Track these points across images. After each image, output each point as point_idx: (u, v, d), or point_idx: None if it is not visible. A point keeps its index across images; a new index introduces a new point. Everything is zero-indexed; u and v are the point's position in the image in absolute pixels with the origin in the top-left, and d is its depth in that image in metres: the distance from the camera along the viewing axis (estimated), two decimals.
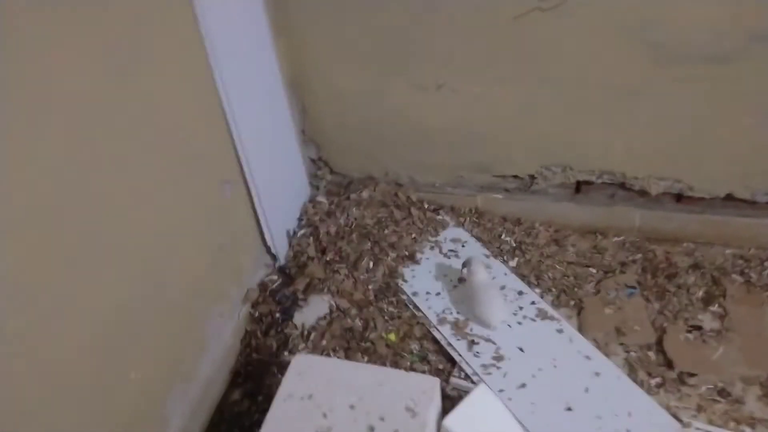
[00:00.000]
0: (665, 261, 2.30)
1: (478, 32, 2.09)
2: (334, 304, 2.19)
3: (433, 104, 2.32)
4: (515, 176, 2.45)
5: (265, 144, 2.25)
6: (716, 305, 2.12)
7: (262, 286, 2.29)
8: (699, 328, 2.05)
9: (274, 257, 2.37)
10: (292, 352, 2.07)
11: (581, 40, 2.01)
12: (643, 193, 2.32)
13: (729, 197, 2.22)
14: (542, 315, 2.13)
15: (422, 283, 2.28)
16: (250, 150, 2.10)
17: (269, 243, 2.31)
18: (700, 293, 2.17)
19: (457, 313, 2.15)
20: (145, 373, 1.69)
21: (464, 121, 2.34)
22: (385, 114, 2.42)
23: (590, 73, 2.07)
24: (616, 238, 2.42)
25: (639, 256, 2.34)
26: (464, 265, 2.17)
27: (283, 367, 1.97)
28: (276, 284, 2.29)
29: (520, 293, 2.21)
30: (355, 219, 2.48)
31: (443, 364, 2.04)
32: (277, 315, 2.18)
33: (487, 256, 2.36)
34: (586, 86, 2.11)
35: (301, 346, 2.10)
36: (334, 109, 2.48)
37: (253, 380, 2.07)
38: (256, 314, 2.22)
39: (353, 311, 2.17)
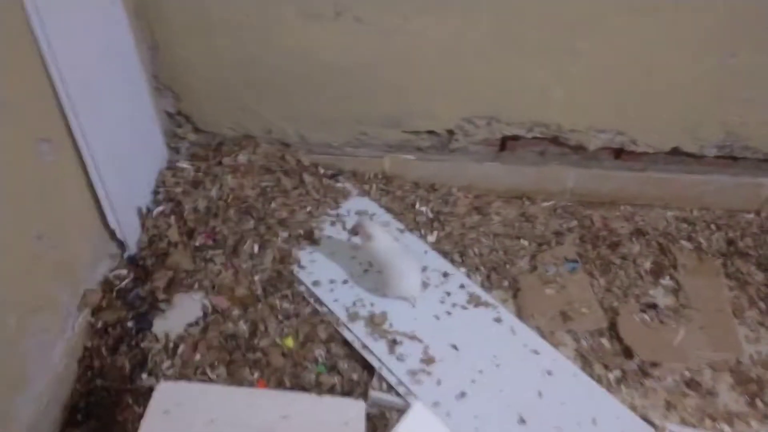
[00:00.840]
0: (604, 228, 2.00)
1: None
2: (208, 305, 1.69)
3: (330, 38, 1.83)
4: (431, 132, 2.03)
5: (101, 90, 1.66)
6: (667, 277, 1.86)
7: (106, 284, 1.71)
8: (653, 306, 1.78)
9: (121, 245, 1.78)
10: (153, 374, 1.57)
11: None
12: (578, 148, 2.00)
13: (674, 151, 1.96)
14: (474, 301, 1.74)
15: (324, 270, 1.80)
16: (77, 98, 1.51)
17: (113, 225, 1.71)
18: (648, 264, 1.89)
19: (372, 305, 1.69)
20: None
21: (370, 62, 1.87)
22: (268, 51, 1.89)
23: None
24: (545, 203, 2.09)
25: (574, 223, 2.02)
26: (352, 231, 1.74)
27: (141, 394, 1.53)
28: (126, 281, 1.72)
29: (445, 275, 1.80)
30: (232, 190, 1.94)
31: (358, 374, 1.61)
32: (130, 324, 1.65)
33: (402, 231, 1.92)
34: (525, 17, 1.73)
35: (166, 364, 1.59)
36: (198, 44, 1.90)
37: (99, 417, 1.53)
38: (99, 324, 1.64)
39: (235, 312, 1.68)
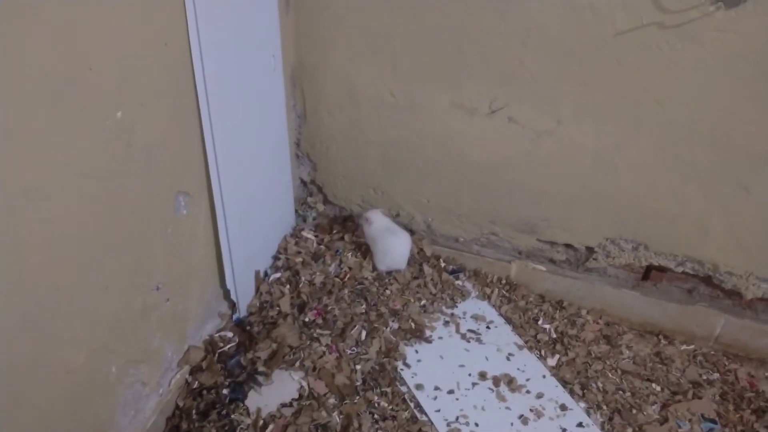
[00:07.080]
0: (750, 388, 1.73)
1: (561, 45, 1.55)
2: (306, 387, 1.57)
3: (479, 132, 1.77)
4: (568, 245, 1.88)
5: (247, 150, 1.66)
6: None
7: (210, 344, 1.65)
8: None
9: (232, 305, 1.74)
10: None
11: (706, 78, 1.47)
12: (733, 294, 1.77)
13: None
14: None
15: (430, 372, 1.67)
16: (223, 155, 1.50)
17: (229, 285, 1.68)
18: None
19: (477, 425, 1.53)
20: None
21: (517, 162, 1.78)
22: (411, 134, 1.86)
23: (706, 122, 1.54)
24: (685, 346, 1.86)
25: (716, 375, 1.77)
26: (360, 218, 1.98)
27: None
28: (229, 346, 1.66)
29: (563, 408, 1.61)
30: (350, 269, 1.87)
31: None
32: (225, 391, 1.56)
33: (520, 347, 1.76)
34: (694, 139, 1.58)
35: None
36: (342, 119, 1.90)
37: None
38: (195, 385, 1.57)
39: (331, 401, 1.56)
